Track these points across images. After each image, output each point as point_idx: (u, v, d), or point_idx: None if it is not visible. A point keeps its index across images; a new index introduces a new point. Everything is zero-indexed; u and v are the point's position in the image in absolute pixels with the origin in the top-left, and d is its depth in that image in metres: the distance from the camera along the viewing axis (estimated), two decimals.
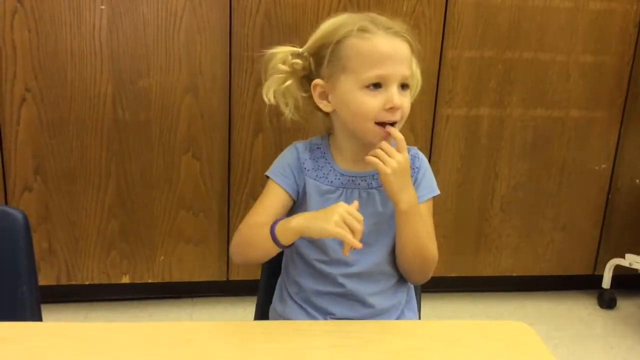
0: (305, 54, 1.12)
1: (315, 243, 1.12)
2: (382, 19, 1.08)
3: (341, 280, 1.11)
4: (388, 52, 1.04)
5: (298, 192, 1.13)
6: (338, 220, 0.95)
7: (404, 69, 1.05)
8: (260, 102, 2.00)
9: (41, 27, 1.85)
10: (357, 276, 1.12)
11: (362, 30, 1.05)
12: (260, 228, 1.04)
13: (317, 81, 1.10)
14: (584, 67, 2.15)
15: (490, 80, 2.11)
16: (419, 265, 1.12)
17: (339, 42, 1.06)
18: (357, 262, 1.11)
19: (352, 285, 1.11)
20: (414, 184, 1.12)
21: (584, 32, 2.11)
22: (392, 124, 1.05)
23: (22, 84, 1.88)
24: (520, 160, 2.21)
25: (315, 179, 1.11)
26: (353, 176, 1.11)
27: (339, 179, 1.11)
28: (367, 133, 1.06)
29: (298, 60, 1.11)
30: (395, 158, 1.03)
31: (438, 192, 1.16)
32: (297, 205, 1.14)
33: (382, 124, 1.05)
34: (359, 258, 1.11)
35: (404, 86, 1.06)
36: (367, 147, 1.07)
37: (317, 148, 1.15)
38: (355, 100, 1.05)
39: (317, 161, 1.13)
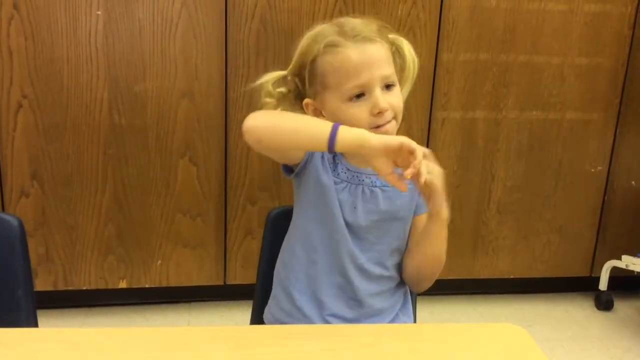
0: (289, 77, 1.13)
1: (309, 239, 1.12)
2: (352, 24, 1.07)
3: (334, 270, 1.12)
4: (361, 61, 1.04)
5: (306, 162, 1.11)
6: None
7: (382, 70, 1.05)
8: (256, 106, 1.99)
9: (37, 34, 1.86)
10: (348, 263, 1.12)
11: (331, 45, 1.05)
12: (309, 116, 1.05)
13: (307, 101, 1.11)
14: (579, 70, 2.15)
15: (486, 83, 2.12)
16: (434, 272, 1.14)
17: (313, 61, 1.07)
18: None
19: (347, 276, 1.12)
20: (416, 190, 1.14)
21: (578, 35, 2.12)
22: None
23: (18, 90, 1.89)
24: (516, 163, 2.22)
25: (323, 167, 1.12)
26: (358, 172, 1.12)
27: (345, 172, 1.12)
28: None
29: (282, 89, 1.13)
30: (436, 169, 1.01)
31: None
32: (300, 168, 1.13)
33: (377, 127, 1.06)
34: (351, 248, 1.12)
35: (388, 86, 1.07)
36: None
37: None
38: (343, 114, 1.06)
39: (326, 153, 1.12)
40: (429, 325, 1.04)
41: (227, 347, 0.89)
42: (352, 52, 1.04)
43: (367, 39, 1.05)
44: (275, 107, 1.13)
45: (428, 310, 2.29)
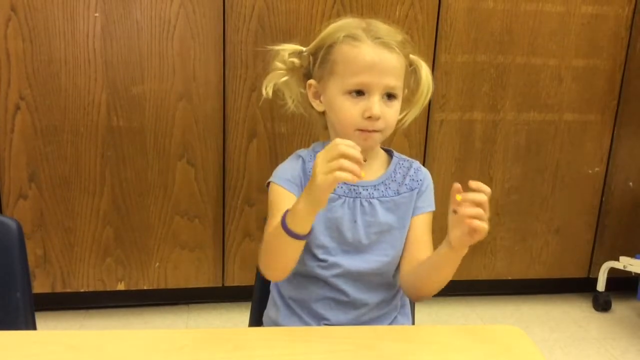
0: (306, 53, 1.14)
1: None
2: (379, 27, 1.08)
3: (334, 281, 1.11)
4: (372, 62, 1.05)
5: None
6: (322, 173, 0.90)
7: (388, 80, 1.05)
8: (254, 107, 2.01)
9: (35, 36, 1.85)
10: (348, 276, 1.11)
11: (351, 37, 1.07)
12: (271, 229, 1.01)
13: (311, 81, 1.13)
14: (577, 71, 2.16)
15: (484, 84, 2.12)
16: (434, 292, 1.12)
17: (330, 46, 1.09)
18: (350, 264, 1.11)
19: (346, 287, 1.11)
20: (415, 195, 1.14)
21: (576, 36, 2.13)
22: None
23: (16, 92, 1.88)
24: (514, 164, 2.22)
25: None
26: (355, 185, 1.12)
27: (341, 187, 1.12)
28: (350, 139, 1.06)
29: (295, 59, 1.14)
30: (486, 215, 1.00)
31: (434, 208, 1.17)
32: None
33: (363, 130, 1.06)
34: (352, 262, 1.12)
35: (390, 96, 1.07)
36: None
37: None
38: (337, 105, 1.07)
39: None
40: (427, 327, 1.04)
41: (226, 348, 0.89)
42: (368, 51, 1.05)
43: (386, 45, 1.06)
44: (282, 76, 1.15)
45: (426, 311, 2.30)
